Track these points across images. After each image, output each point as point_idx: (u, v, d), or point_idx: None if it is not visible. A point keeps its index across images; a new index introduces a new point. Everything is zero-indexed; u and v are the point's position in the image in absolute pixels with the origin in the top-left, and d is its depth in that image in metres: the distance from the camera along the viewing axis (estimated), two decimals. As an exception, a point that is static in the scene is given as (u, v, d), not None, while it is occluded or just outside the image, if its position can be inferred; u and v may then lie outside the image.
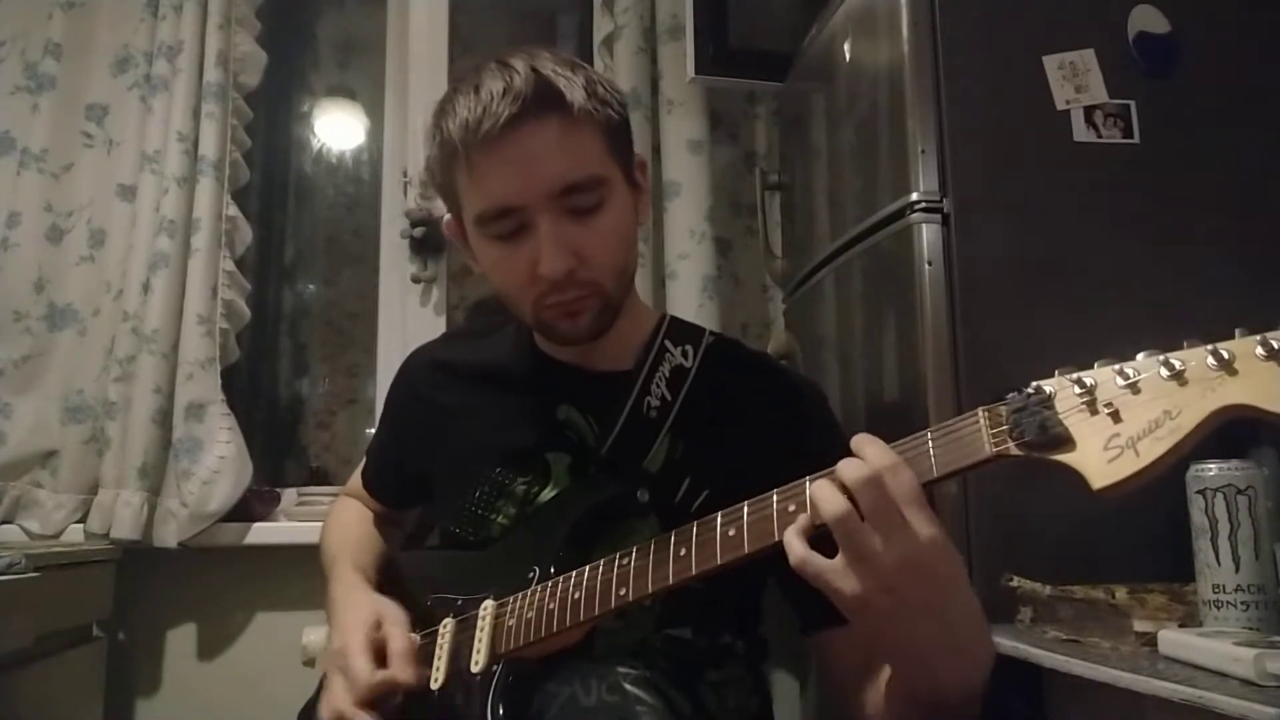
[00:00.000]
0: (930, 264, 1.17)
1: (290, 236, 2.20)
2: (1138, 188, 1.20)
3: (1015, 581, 1.01)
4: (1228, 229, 1.20)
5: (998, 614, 1.04)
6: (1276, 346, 0.51)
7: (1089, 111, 1.20)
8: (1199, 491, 0.88)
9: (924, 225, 1.18)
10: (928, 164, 1.19)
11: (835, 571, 0.61)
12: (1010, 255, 1.18)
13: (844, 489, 0.61)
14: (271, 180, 2.16)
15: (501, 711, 0.78)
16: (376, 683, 0.81)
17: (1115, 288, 1.16)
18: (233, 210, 1.80)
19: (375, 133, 2.16)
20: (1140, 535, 1.07)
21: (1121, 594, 0.90)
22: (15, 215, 1.72)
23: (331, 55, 2.27)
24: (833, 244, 1.48)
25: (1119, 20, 1.24)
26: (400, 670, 0.82)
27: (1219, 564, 0.86)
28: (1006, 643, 0.95)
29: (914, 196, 1.19)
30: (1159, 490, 0.96)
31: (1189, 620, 0.88)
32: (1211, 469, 0.88)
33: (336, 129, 2.23)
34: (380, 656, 0.84)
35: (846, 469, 0.61)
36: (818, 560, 0.62)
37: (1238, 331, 0.53)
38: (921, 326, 1.16)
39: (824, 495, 0.62)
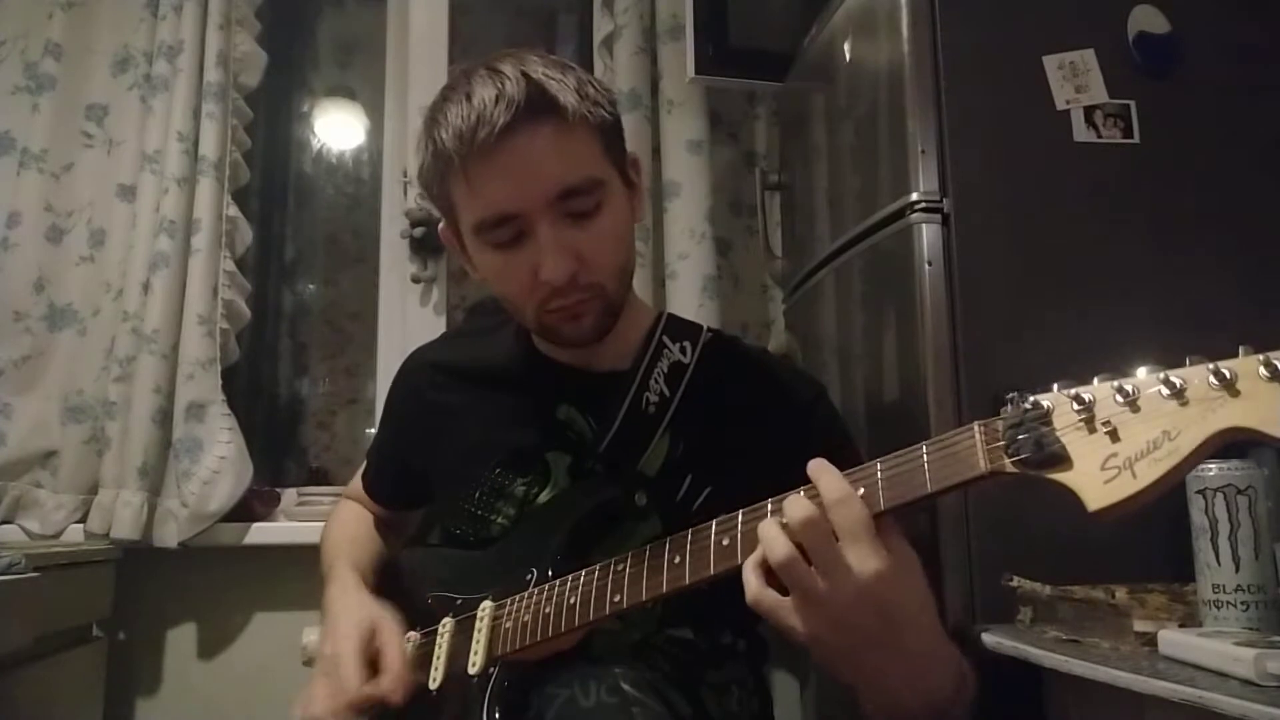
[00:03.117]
0: (930, 264, 1.17)
1: (290, 236, 2.21)
2: (1138, 188, 1.20)
3: (1015, 581, 1.01)
4: (1228, 229, 1.20)
5: (998, 614, 1.04)
6: None
7: (1089, 111, 1.20)
8: (1199, 491, 0.88)
9: (924, 225, 1.18)
10: (928, 164, 1.19)
11: (785, 609, 0.62)
12: (1010, 255, 1.18)
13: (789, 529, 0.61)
14: (271, 180, 2.16)
15: (498, 714, 0.78)
16: (364, 697, 0.80)
17: (1115, 288, 1.16)
18: (233, 210, 1.80)
19: (375, 133, 2.16)
20: (1140, 535, 1.06)
21: (1121, 594, 0.90)
22: (15, 215, 1.72)
23: (331, 55, 2.27)
24: (833, 244, 1.48)
25: (1119, 20, 1.23)
26: (391, 690, 0.81)
27: (1219, 564, 0.86)
28: (1007, 643, 0.95)
29: (914, 196, 1.19)
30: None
31: (1189, 620, 0.88)
32: (1211, 469, 0.88)
33: (336, 129, 2.24)
34: (372, 666, 0.83)
35: (792, 508, 0.61)
36: (770, 598, 0.63)
37: (1241, 350, 0.51)
38: (921, 326, 1.16)
39: (769, 537, 0.61)
